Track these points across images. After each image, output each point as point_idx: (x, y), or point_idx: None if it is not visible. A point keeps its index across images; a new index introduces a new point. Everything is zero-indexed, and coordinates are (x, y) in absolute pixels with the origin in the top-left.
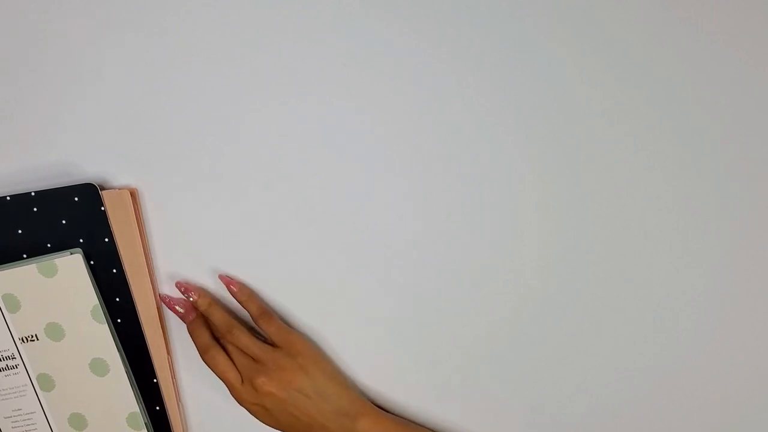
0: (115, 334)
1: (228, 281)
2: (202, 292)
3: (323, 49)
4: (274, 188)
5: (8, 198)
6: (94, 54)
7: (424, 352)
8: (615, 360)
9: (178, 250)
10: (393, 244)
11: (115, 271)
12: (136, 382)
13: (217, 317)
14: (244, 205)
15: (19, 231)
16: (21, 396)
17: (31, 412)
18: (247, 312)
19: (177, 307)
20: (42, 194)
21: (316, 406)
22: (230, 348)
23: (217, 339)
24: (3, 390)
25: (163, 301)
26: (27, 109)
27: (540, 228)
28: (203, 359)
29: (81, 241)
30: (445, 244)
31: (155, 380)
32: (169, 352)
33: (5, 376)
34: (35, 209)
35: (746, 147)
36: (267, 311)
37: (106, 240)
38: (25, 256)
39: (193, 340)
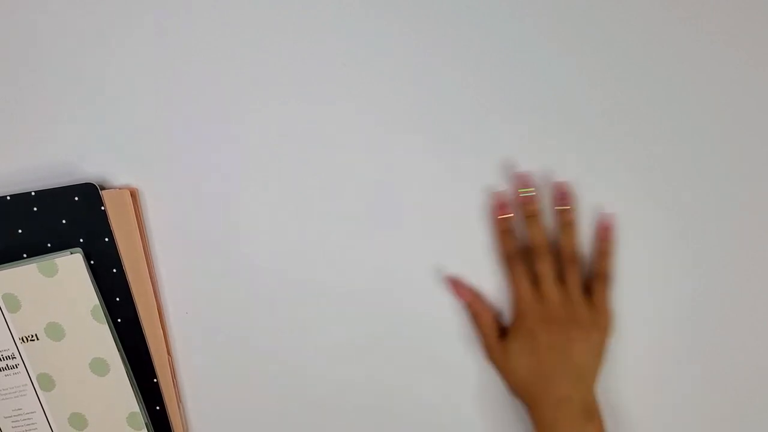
0: (116, 333)
1: (605, 230)
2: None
3: (323, 50)
4: (274, 188)
5: (8, 198)
6: (94, 54)
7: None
8: (616, 360)
9: (178, 250)
10: (392, 248)
11: (115, 270)
12: (137, 382)
13: (570, 241)
14: (244, 205)
15: (20, 231)
16: (21, 396)
17: (32, 412)
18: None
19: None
20: (42, 194)
21: (565, 373)
22: (546, 270)
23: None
24: (3, 390)
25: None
26: (27, 109)
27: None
28: (507, 263)
29: (81, 240)
30: (444, 251)
31: (155, 380)
32: (169, 352)
33: (5, 375)
34: (35, 209)
35: (746, 147)
36: (610, 278)
37: (106, 240)
38: (25, 255)
39: (501, 241)
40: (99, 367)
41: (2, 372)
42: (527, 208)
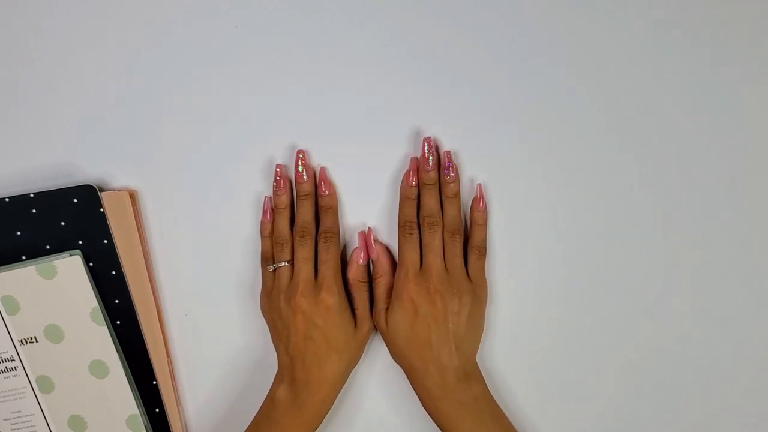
0: (115, 336)
1: (476, 201)
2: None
3: (324, 51)
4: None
5: (7, 199)
6: (94, 55)
7: None
8: (614, 360)
9: (178, 251)
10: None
11: (114, 272)
12: (136, 385)
13: (453, 213)
14: (243, 207)
15: (18, 233)
16: (20, 398)
17: (31, 414)
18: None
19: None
20: (41, 195)
21: (445, 343)
22: (433, 242)
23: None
24: (2, 392)
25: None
26: (27, 109)
27: (539, 229)
28: (401, 231)
29: (80, 242)
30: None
31: (155, 382)
32: (168, 354)
33: (4, 378)
34: (34, 211)
35: (745, 148)
36: (484, 249)
37: (105, 242)
38: (24, 257)
39: (402, 208)
40: (98, 369)
41: (1, 374)
42: (426, 176)
